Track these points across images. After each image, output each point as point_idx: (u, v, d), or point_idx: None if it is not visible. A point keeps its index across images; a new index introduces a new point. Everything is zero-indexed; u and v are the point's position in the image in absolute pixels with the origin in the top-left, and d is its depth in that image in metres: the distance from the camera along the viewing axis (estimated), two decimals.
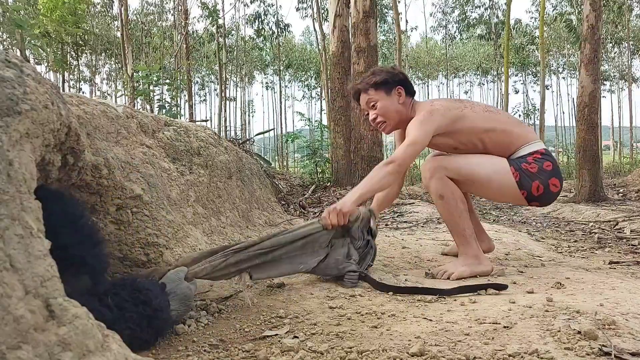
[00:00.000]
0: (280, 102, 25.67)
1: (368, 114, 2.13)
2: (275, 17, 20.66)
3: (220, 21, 15.49)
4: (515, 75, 29.82)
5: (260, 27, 19.72)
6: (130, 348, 0.80)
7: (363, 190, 1.84)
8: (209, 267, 1.46)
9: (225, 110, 17.70)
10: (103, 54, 23.33)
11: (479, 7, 22.03)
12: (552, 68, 28.44)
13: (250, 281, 1.56)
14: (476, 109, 2.05)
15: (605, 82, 27.42)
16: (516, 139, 2.00)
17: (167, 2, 21.71)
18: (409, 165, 2.00)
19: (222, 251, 1.51)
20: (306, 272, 1.69)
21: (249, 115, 34.14)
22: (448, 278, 1.87)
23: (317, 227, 1.70)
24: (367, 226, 1.91)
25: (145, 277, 1.22)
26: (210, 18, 11.99)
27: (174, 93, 6.99)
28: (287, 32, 22.60)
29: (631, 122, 24.04)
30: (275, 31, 20.64)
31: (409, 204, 4.89)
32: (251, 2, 19.52)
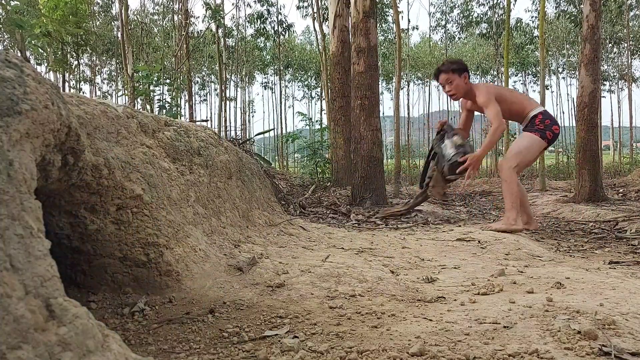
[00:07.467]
0: (281, 102, 25.56)
1: (444, 86, 3.47)
2: (278, 17, 20.60)
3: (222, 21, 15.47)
4: (515, 75, 29.72)
5: (262, 27, 19.66)
6: None
7: (488, 146, 3.37)
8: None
9: (225, 110, 17.67)
10: (105, 55, 23.26)
11: (483, 4, 21.91)
12: (552, 68, 28.38)
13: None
14: (505, 90, 3.70)
15: (605, 82, 27.34)
16: (527, 107, 3.39)
17: (171, 2, 21.64)
18: (500, 116, 3.23)
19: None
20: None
21: (249, 115, 34.08)
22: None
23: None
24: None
25: None
26: (214, 18, 11.97)
27: (174, 93, 6.98)
28: (290, 33, 22.52)
29: (631, 122, 23.96)
30: (278, 31, 20.57)
31: None
32: (254, 2, 19.46)
